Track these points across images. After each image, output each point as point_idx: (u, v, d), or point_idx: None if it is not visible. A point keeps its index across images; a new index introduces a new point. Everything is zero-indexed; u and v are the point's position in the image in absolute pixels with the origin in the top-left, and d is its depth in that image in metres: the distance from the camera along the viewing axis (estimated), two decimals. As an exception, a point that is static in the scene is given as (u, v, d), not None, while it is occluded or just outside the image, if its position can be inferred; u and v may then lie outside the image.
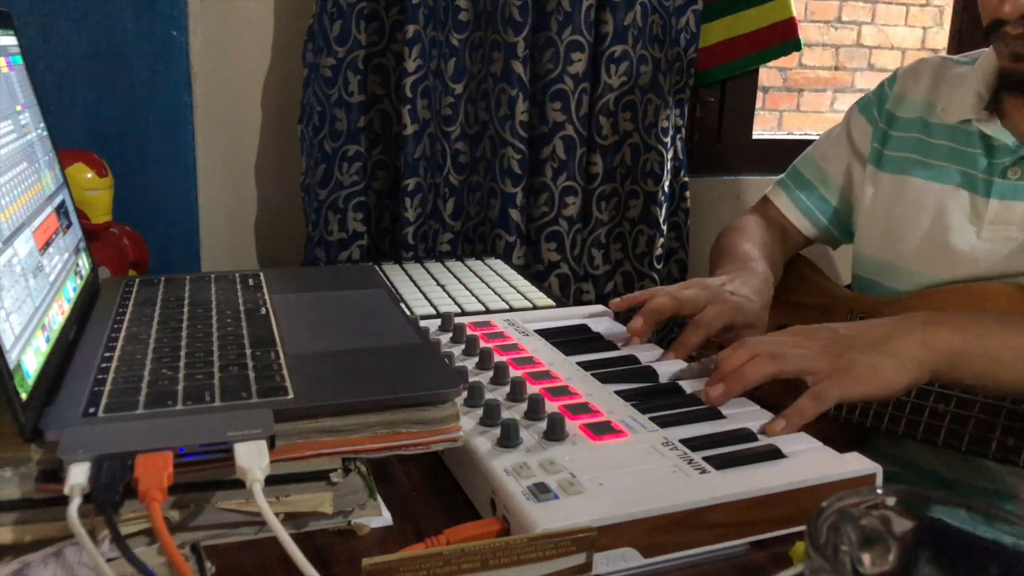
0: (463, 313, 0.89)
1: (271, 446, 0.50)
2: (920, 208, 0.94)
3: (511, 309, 0.90)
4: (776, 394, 0.71)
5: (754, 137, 1.59)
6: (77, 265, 0.74)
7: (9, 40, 0.72)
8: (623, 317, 1.04)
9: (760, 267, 0.94)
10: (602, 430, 0.61)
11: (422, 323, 0.81)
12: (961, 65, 0.98)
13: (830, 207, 1.08)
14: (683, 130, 1.38)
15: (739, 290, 0.86)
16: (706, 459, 0.58)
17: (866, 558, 0.40)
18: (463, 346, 0.77)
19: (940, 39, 2.83)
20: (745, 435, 0.62)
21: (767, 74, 2.75)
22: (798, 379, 0.70)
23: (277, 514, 0.50)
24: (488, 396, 0.66)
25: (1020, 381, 0.72)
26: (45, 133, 0.75)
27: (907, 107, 1.01)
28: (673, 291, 0.83)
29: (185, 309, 0.73)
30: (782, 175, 1.13)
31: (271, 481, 0.51)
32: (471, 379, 0.69)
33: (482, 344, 0.78)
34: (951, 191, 0.92)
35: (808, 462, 0.58)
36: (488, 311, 0.89)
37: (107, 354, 0.62)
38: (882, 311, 0.93)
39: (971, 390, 0.78)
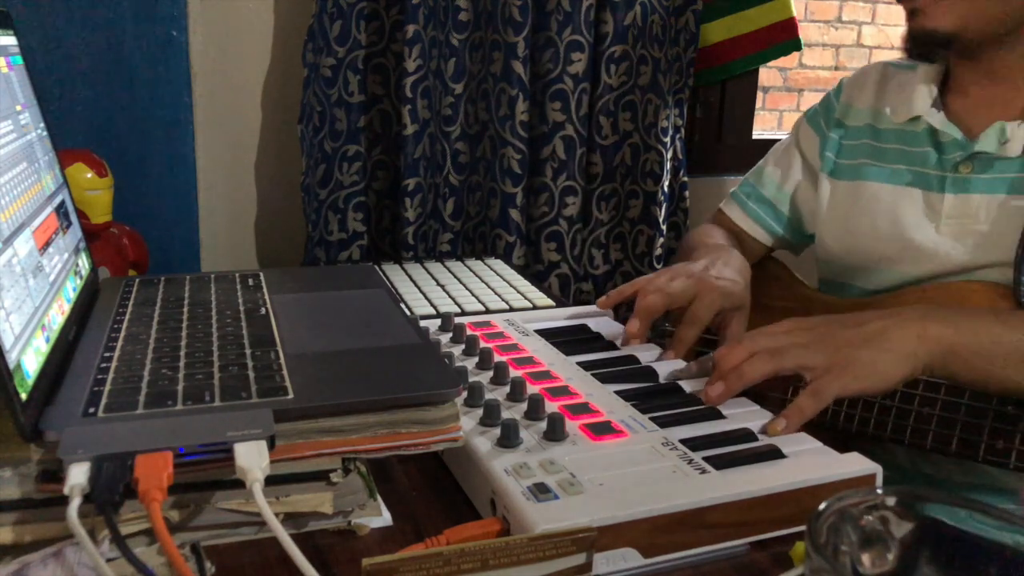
0: (463, 313, 0.89)
1: (271, 446, 0.50)
2: (877, 210, 0.95)
3: (511, 309, 0.90)
4: (773, 386, 0.72)
5: (754, 137, 1.59)
6: (77, 265, 0.74)
7: (9, 40, 0.72)
8: (623, 317, 1.04)
9: (735, 251, 0.96)
10: (602, 430, 0.61)
11: (422, 323, 0.81)
12: (904, 70, 1.00)
13: (783, 216, 1.09)
14: (683, 130, 1.38)
15: (723, 273, 0.86)
16: (706, 459, 0.58)
17: (866, 558, 0.40)
18: (463, 346, 0.77)
19: (940, 39, 2.82)
20: (745, 435, 0.62)
21: (767, 74, 2.75)
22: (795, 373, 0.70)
23: (277, 514, 0.50)
24: (488, 396, 0.66)
25: (1011, 378, 0.72)
26: (45, 133, 0.75)
27: (855, 115, 1.02)
28: (662, 285, 0.83)
29: (185, 309, 0.73)
30: (734, 188, 1.14)
31: (271, 481, 0.51)
32: (471, 379, 0.69)
33: (482, 344, 0.78)
34: (905, 191, 0.94)
35: (808, 462, 0.58)
36: (488, 311, 0.89)
37: (107, 354, 0.62)
38: (853, 312, 0.94)
39: (958, 392, 0.78)
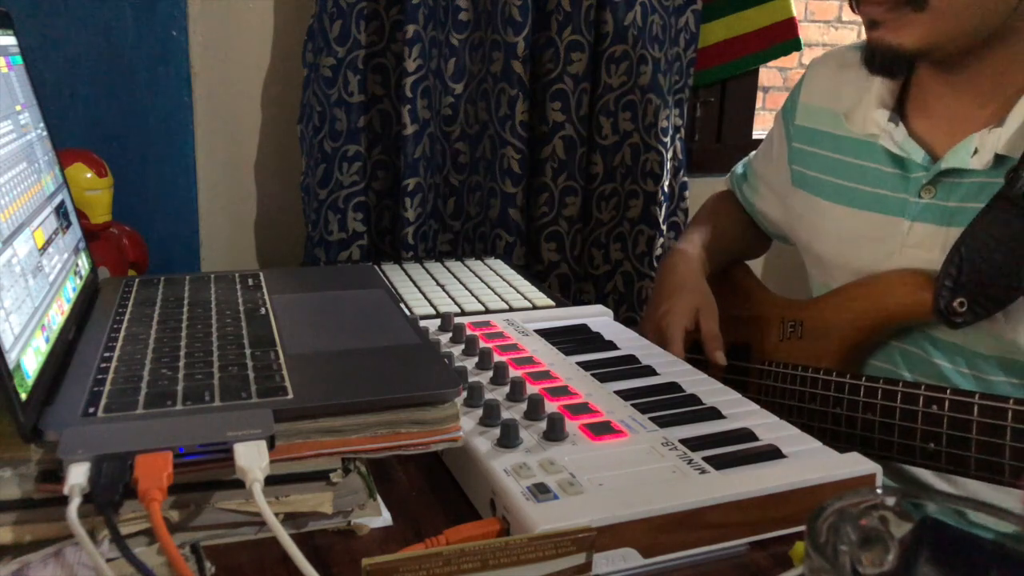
0: (463, 313, 0.89)
1: (271, 446, 0.50)
2: (839, 238, 0.91)
3: (511, 309, 0.90)
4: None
5: (754, 137, 1.59)
6: (77, 265, 0.74)
7: (9, 40, 0.72)
8: (623, 317, 1.05)
9: (687, 275, 1.01)
10: (602, 430, 0.61)
11: (422, 323, 0.81)
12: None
13: (767, 217, 1.09)
14: (683, 130, 1.38)
15: (668, 307, 0.97)
16: (706, 459, 0.58)
17: (866, 558, 0.40)
18: (463, 346, 0.77)
19: (940, 39, 2.82)
20: (745, 435, 0.62)
21: (767, 74, 2.75)
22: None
23: (277, 514, 0.50)
24: (488, 396, 0.66)
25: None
26: (45, 133, 0.75)
27: (815, 118, 0.96)
28: (709, 331, 0.94)
29: (185, 309, 0.73)
30: (735, 168, 1.16)
31: (271, 481, 0.51)
32: (471, 379, 0.69)
33: (482, 344, 0.78)
34: (863, 216, 0.88)
35: (808, 462, 0.58)
36: (488, 311, 0.89)
37: (107, 354, 0.62)
38: (808, 313, 0.94)
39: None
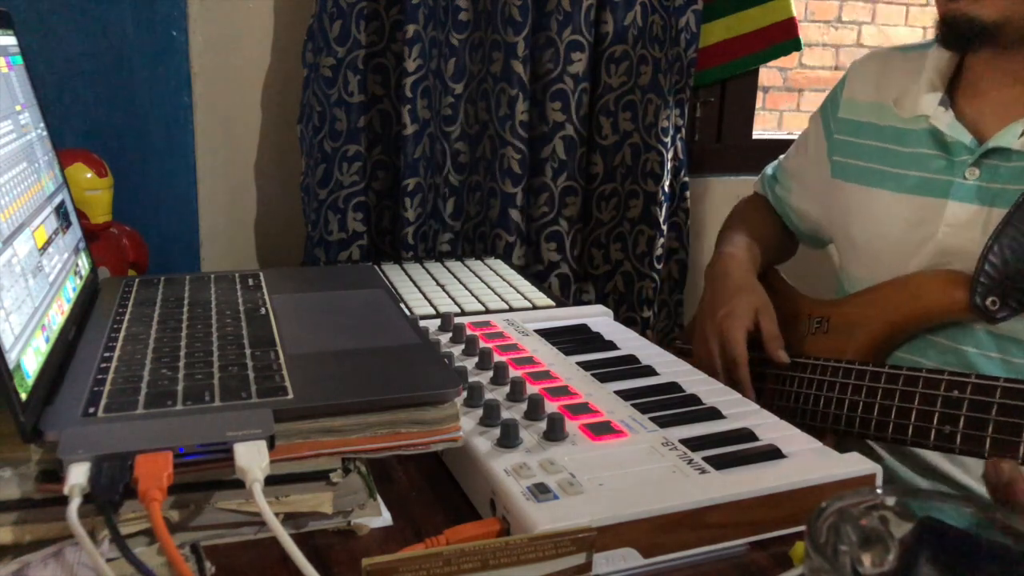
0: (463, 313, 0.88)
1: (271, 446, 0.50)
2: (880, 221, 0.93)
3: (511, 309, 0.90)
4: None
5: (754, 137, 1.59)
6: (77, 265, 0.74)
7: (9, 40, 0.72)
8: (623, 317, 1.05)
9: (741, 276, 1.02)
10: (602, 430, 0.61)
11: (422, 323, 0.81)
12: (912, 58, 0.95)
13: (801, 213, 1.11)
14: (683, 130, 1.38)
15: (728, 309, 0.97)
16: (706, 459, 0.58)
17: (866, 558, 0.40)
18: (463, 346, 0.77)
19: (940, 39, 2.82)
20: (745, 435, 0.62)
21: (767, 74, 2.75)
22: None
23: (277, 514, 0.50)
24: (488, 396, 0.66)
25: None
26: (45, 133, 0.75)
27: (858, 111, 0.99)
28: (770, 332, 0.96)
29: (185, 309, 0.73)
30: (767, 169, 1.17)
31: (271, 481, 0.51)
32: (471, 379, 0.69)
33: (482, 344, 0.78)
34: (905, 198, 0.91)
35: (808, 462, 0.58)
36: (488, 311, 0.89)
37: (107, 354, 0.62)
38: (835, 310, 0.96)
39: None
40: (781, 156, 1.16)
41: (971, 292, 0.81)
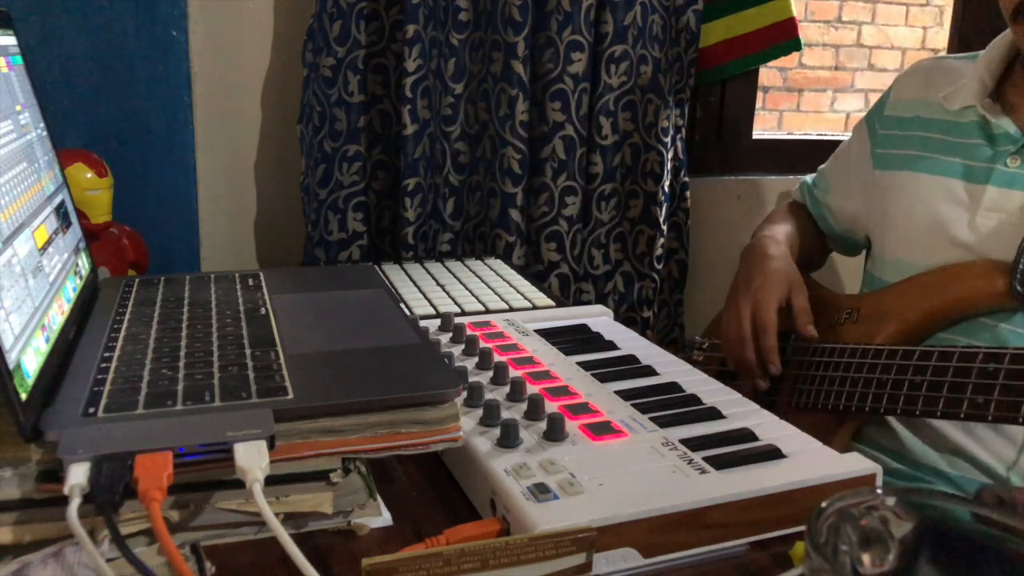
0: (463, 313, 0.89)
1: (271, 446, 0.50)
2: (919, 201, 0.96)
3: (511, 309, 0.90)
4: None
5: (754, 137, 1.59)
6: (77, 265, 0.74)
7: (9, 40, 0.72)
8: (623, 317, 1.05)
9: (778, 255, 1.04)
10: (602, 430, 0.61)
11: (422, 323, 0.81)
12: (959, 60, 1.01)
13: (837, 210, 1.14)
14: (683, 130, 1.38)
15: (762, 284, 1.00)
16: (706, 459, 0.58)
17: (866, 558, 0.40)
18: (463, 346, 0.77)
19: (940, 39, 2.83)
20: (745, 435, 0.62)
21: (767, 74, 2.75)
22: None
23: (277, 514, 0.50)
24: (488, 396, 0.66)
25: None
26: (45, 133, 0.75)
27: (904, 108, 1.03)
28: (801, 306, 0.99)
29: (185, 309, 0.73)
30: (809, 176, 1.21)
31: (271, 481, 0.51)
32: (471, 379, 0.69)
33: (482, 344, 0.78)
34: (946, 181, 0.94)
35: (808, 462, 0.58)
36: (488, 311, 0.89)
37: (107, 354, 0.62)
38: (866, 301, 0.99)
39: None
40: (820, 166, 1.19)
41: (1011, 278, 0.83)
